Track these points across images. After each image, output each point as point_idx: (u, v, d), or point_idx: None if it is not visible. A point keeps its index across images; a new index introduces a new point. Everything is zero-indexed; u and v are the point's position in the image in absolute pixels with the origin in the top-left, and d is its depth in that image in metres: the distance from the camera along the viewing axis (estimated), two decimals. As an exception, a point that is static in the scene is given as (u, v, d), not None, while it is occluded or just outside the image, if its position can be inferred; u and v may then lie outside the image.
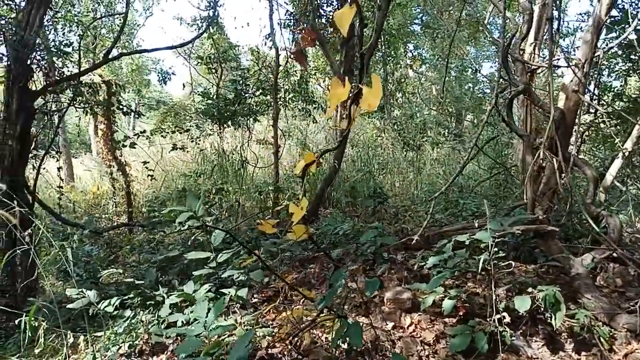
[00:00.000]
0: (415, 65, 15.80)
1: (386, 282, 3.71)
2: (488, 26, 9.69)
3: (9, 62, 5.72)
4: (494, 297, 2.89)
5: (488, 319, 2.91)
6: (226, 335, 2.83)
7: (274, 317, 3.48)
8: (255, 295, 4.10)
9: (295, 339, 2.61)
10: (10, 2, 6.55)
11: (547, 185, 4.17)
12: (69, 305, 3.50)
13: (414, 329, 3.09)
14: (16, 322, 3.65)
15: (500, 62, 4.01)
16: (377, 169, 8.85)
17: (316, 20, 9.40)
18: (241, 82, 9.31)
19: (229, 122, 9.09)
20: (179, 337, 3.37)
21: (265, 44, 8.70)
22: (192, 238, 4.41)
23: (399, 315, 3.21)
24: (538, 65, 4.65)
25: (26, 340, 3.72)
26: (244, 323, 3.19)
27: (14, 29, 5.71)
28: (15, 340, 4.01)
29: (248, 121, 9.28)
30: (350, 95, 1.70)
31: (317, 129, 11.62)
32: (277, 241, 4.84)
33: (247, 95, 9.14)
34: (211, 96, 9.66)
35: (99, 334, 3.56)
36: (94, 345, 2.96)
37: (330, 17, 9.49)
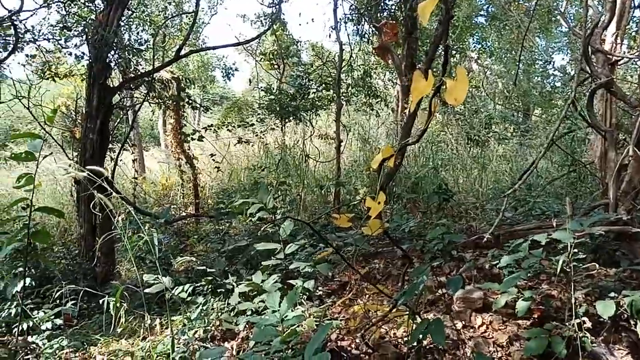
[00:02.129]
0: (481, 58, 15.28)
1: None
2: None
3: (90, 61, 6.10)
4: (573, 301, 2.76)
5: (566, 323, 2.78)
6: (296, 325, 2.88)
7: (340, 310, 3.51)
8: (320, 288, 4.14)
9: (365, 333, 2.62)
10: (91, 4, 6.93)
11: (630, 184, 3.91)
12: (147, 290, 3.69)
13: (486, 329, 3.01)
14: (100, 302, 3.91)
15: (580, 54, 3.80)
16: (440, 164, 8.66)
17: (378, 14, 9.32)
18: (303, 77, 9.41)
19: (291, 117, 9.22)
20: (248, 325, 3.47)
21: (330, 36, 8.72)
22: (262, 229, 4.51)
23: (469, 314, 3.14)
24: (622, 57, 4.36)
25: (108, 320, 3.98)
26: (312, 314, 3.24)
27: (95, 29, 6.07)
28: (97, 320, 4.29)
29: (310, 116, 9.37)
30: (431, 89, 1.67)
31: (379, 124, 11.54)
32: (342, 235, 4.86)
33: (309, 90, 9.23)
34: (273, 91, 9.84)
35: (174, 318, 3.74)
36: (171, 329, 3.11)
37: (392, 10, 9.37)
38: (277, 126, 9.57)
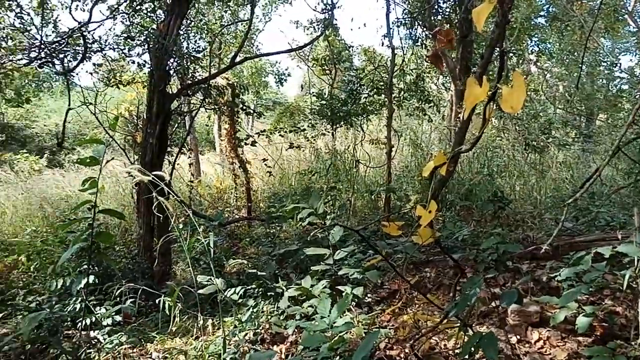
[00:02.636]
0: (540, 60, 14.69)
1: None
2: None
3: (151, 69, 6.38)
4: (639, 318, 2.59)
5: (632, 343, 2.62)
6: (345, 332, 2.88)
7: (389, 318, 3.47)
8: (369, 295, 4.12)
9: (414, 343, 2.57)
10: (153, 15, 7.25)
11: None
12: (200, 291, 3.80)
13: (542, 345, 2.88)
14: (157, 301, 4.07)
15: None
16: (495, 171, 8.39)
17: (432, 17, 9.17)
18: (355, 82, 9.40)
19: (342, 122, 9.24)
20: (297, 329, 3.50)
21: (383, 44, 8.66)
22: (312, 234, 4.54)
23: (524, 328, 3.01)
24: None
25: (164, 319, 4.13)
26: (360, 322, 3.22)
27: (156, 38, 6.34)
28: (153, 318, 4.46)
29: (361, 121, 9.35)
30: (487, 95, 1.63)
31: (431, 129, 11.34)
32: (392, 242, 4.80)
33: (360, 95, 9.21)
34: (325, 96, 9.89)
35: (225, 319, 3.83)
36: (223, 330, 3.19)
37: (447, 13, 9.20)
38: (328, 131, 9.62)
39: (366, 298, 4.06)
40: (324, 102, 9.63)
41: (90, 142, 2.45)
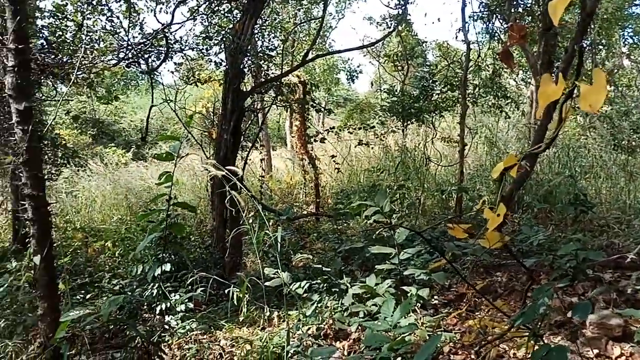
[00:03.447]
0: (634, 53, 13.52)
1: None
2: None
3: (227, 67, 6.63)
4: None
5: None
6: (407, 334, 2.84)
7: (455, 322, 3.37)
8: (435, 297, 4.02)
9: (481, 349, 2.48)
10: (230, 15, 7.50)
11: None
12: (266, 283, 3.91)
13: (624, 361, 2.67)
14: (226, 291, 4.24)
15: None
16: (578, 172, 7.85)
17: (512, 10, 8.73)
18: (427, 78, 9.20)
19: (413, 119, 9.07)
20: (360, 327, 3.50)
21: (457, 38, 8.39)
22: (377, 232, 4.52)
23: (605, 342, 2.81)
24: None
25: (233, 308, 4.30)
26: (425, 324, 3.16)
27: (231, 37, 6.57)
28: (223, 307, 4.64)
29: (433, 118, 9.14)
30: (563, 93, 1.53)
31: (508, 126, 10.83)
32: (461, 244, 4.66)
33: (432, 91, 9.00)
34: (396, 93, 9.76)
35: (290, 312, 3.91)
36: (287, 323, 3.26)
37: (528, 5, 8.71)
38: (398, 128, 9.49)
39: (432, 300, 3.97)
40: (395, 98, 9.51)
41: (168, 138, 2.61)
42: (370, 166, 9.76)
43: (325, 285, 4.23)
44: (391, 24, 10.96)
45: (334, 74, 20.53)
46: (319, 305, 3.87)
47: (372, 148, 9.83)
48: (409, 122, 9.32)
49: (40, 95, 7.00)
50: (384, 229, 3.82)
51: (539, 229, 5.11)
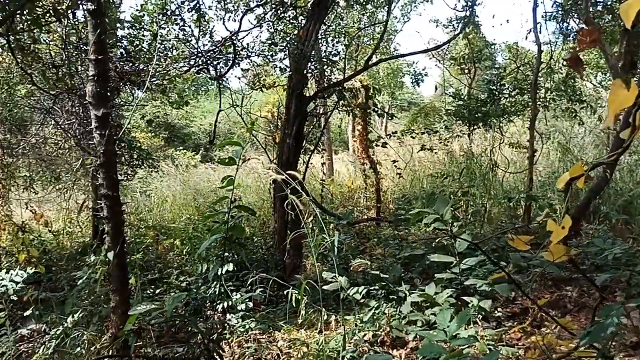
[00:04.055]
0: None
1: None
2: None
3: (290, 73, 6.76)
4: None
5: None
6: (466, 346, 2.75)
7: (519, 337, 3.23)
8: (499, 309, 3.87)
9: (545, 367, 2.36)
10: (295, 21, 7.64)
11: None
12: (324, 287, 3.94)
13: None
14: (285, 293, 4.32)
15: None
16: (664, 181, 7.26)
17: (589, 9, 8.23)
18: (495, 81, 8.88)
19: (480, 124, 8.79)
20: (418, 336, 3.44)
21: (527, 38, 8.04)
22: (437, 240, 4.42)
23: (687, 368, 2.58)
24: None
25: (291, 310, 4.37)
26: (485, 337, 3.05)
27: (295, 44, 6.69)
28: (282, 308, 4.73)
29: (500, 122, 8.80)
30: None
31: (584, 132, 10.21)
32: (527, 255, 4.45)
33: (501, 95, 8.67)
34: (462, 97, 9.50)
35: (347, 317, 3.92)
36: (344, 327, 3.27)
37: (608, 3, 8.18)
38: (464, 133, 9.22)
39: (495, 312, 3.83)
40: (460, 102, 9.26)
41: (230, 143, 2.70)
42: (434, 172, 9.56)
43: (383, 291, 4.19)
44: (458, 26, 10.70)
45: (399, 78, 20.31)
46: (377, 311, 3.84)
47: (436, 153, 9.62)
48: (475, 126, 9.04)
49: (119, 100, 7.50)
50: (444, 236, 3.73)
51: (615, 242, 4.77)
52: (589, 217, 6.84)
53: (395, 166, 8.72)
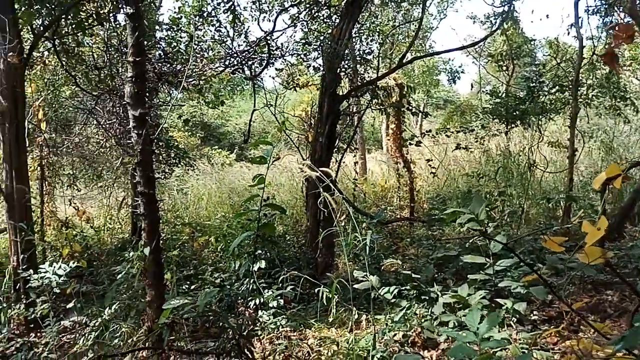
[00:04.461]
0: None
1: None
2: None
3: (323, 72, 6.78)
4: None
5: None
6: (498, 349, 2.70)
7: (555, 341, 3.14)
8: (535, 312, 3.77)
9: (581, 373, 2.29)
10: (329, 20, 7.65)
11: None
12: (355, 286, 3.93)
13: None
14: (316, 291, 4.34)
15: None
16: None
17: (637, 1, 7.87)
18: (534, 78, 8.63)
19: (518, 122, 8.56)
20: (449, 338, 3.40)
21: (568, 33, 7.76)
22: (471, 240, 4.35)
23: None
24: None
25: (322, 308, 4.39)
26: (519, 340, 2.98)
27: (328, 43, 6.70)
28: (314, 306, 4.76)
29: (539, 121, 8.54)
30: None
31: (630, 130, 9.80)
32: (565, 257, 4.32)
33: (540, 92, 8.42)
34: (500, 94, 9.28)
35: (378, 316, 3.91)
36: (374, 327, 3.27)
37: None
38: (500, 132, 9.01)
39: (531, 316, 3.73)
40: (498, 100, 9.05)
41: (261, 143, 2.74)
42: (470, 171, 9.39)
43: (415, 292, 4.15)
44: (495, 22, 10.46)
45: (434, 75, 20.04)
46: (408, 311, 3.81)
47: (472, 152, 9.44)
48: (513, 125, 8.81)
49: (157, 101, 7.71)
50: (478, 237, 3.66)
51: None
52: (633, 218, 6.56)
53: (430, 165, 8.61)
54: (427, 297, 4.02)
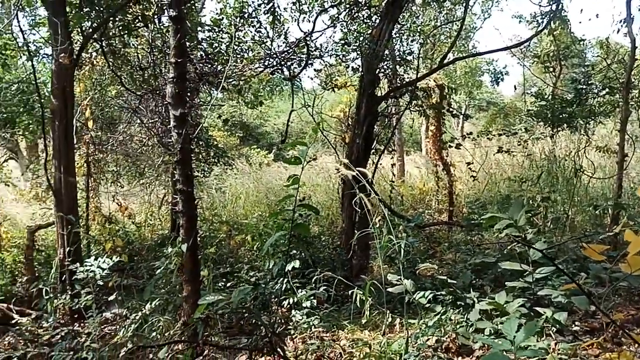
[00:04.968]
0: None
1: None
2: None
3: (362, 73, 6.74)
4: None
5: None
6: (535, 359, 2.60)
7: (597, 353, 3.00)
8: (577, 323, 3.62)
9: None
10: (369, 21, 7.61)
11: None
12: (389, 289, 3.89)
13: None
14: (349, 293, 4.33)
15: None
16: None
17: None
18: (583, 80, 8.29)
19: (564, 125, 8.25)
20: (485, 345, 3.31)
21: (619, 31, 7.38)
22: (509, 247, 4.22)
23: None
24: None
25: (356, 310, 4.37)
26: (558, 350, 2.86)
27: (367, 43, 6.66)
28: (347, 308, 4.74)
29: (587, 124, 8.20)
30: None
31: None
32: (609, 267, 4.12)
33: (589, 94, 8.08)
34: (546, 97, 8.96)
35: (411, 320, 3.85)
36: (407, 331, 3.22)
37: None
38: (545, 135, 8.71)
39: (574, 326, 3.59)
40: (543, 102, 8.75)
41: (296, 144, 2.76)
42: (512, 175, 9.12)
43: (450, 297, 4.07)
44: (542, 21, 10.11)
45: (477, 77, 19.59)
46: (442, 317, 3.74)
47: (514, 156, 9.16)
48: (559, 128, 8.50)
49: (198, 100, 7.88)
50: (517, 243, 3.55)
51: None
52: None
53: (470, 169, 8.42)
54: (463, 303, 3.93)
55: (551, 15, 9.16)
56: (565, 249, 5.49)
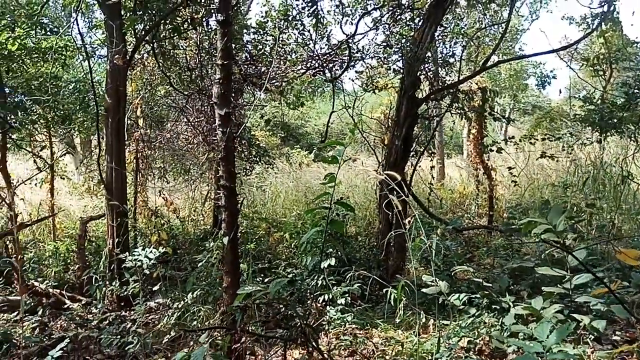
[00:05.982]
0: None
1: None
2: None
3: (403, 75, 6.77)
4: None
5: None
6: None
7: (637, 363, 2.94)
8: (617, 332, 3.55)
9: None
10: (412, 23, 7.61)
11: None
12: (424, 290, 3.93)
13: None
14: (384, 291, 4.39)
15: None
16: None
17: None
18: (634, 84, 7.98)
19: (613, 131, 7.97)
20: (519, 350, 3.30)
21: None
22: (547, 252, 4.17)
23: None
24: None
25: (390, 310, 4.42)
26: (594, 358, 2.83)
27: (409, 46, 6.68)
28: (382, 307, 4.80)
29: (638, 130, 7.89)
30: None
31: None
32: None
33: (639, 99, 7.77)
34: (594, 101, 8.67)
35: (445, 322, 3.87)
36: (439, 331, 3.26)
37: None
38: (591, 141, 8.45)
39: (614, 335, 3.52)
40: (592, 107, 8.47)
41: (333, 143, 2.85)
42: (556, 181, 8.89)
43: (485, 300, 4.06)
44: (592, 23, 9.79)
45: (522, 80, 19.09)
46: (476, 319, 3.75)
47: (558, 161, 8.93)
48: (608, 133, 8.21)
49: (242, 101, 8.12)
50: (556, 249, 3.51)
51: None
52: None
53: (511, 173, 8.28)
54: (498, 307, 3.92)
55: (602, 17, 8.86)
56: (610, 257, 5.34)
